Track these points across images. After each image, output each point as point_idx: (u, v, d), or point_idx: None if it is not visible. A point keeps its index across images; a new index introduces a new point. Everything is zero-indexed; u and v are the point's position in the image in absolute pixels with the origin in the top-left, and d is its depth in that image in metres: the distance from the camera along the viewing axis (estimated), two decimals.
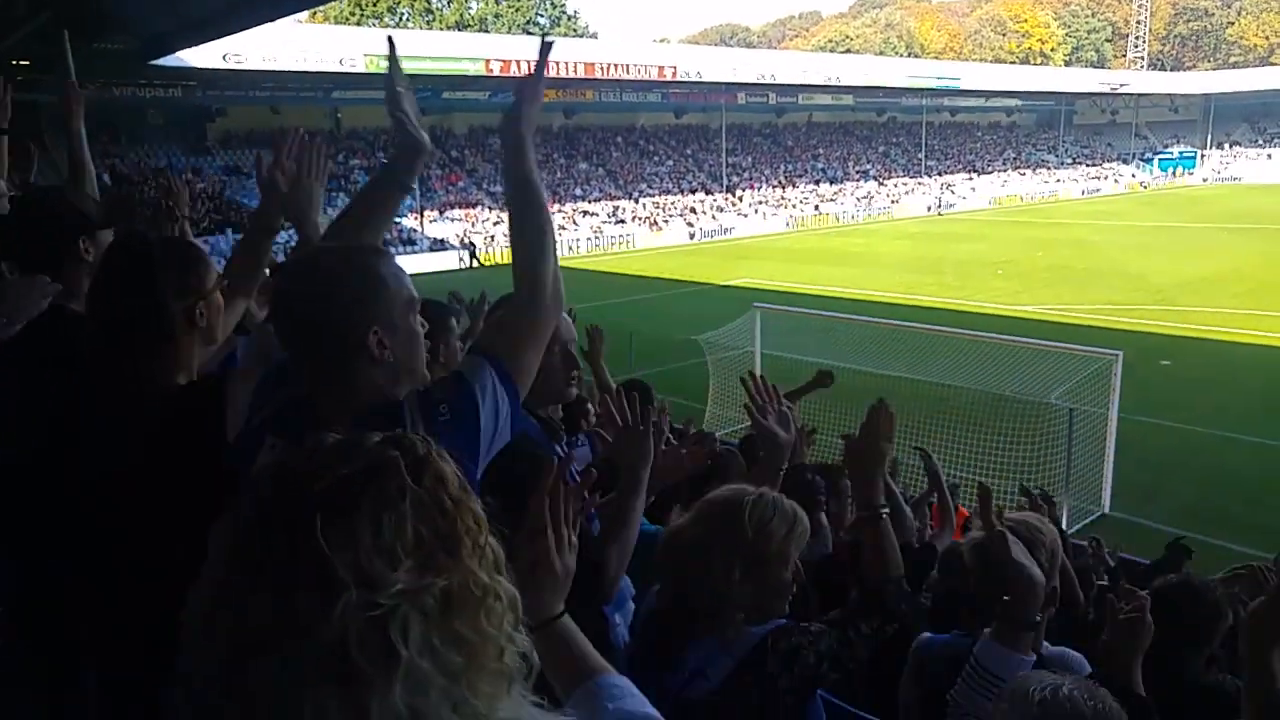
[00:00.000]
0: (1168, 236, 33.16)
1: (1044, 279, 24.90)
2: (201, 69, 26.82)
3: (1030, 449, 10.32)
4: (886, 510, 2.06)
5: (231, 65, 27.19)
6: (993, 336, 13.58)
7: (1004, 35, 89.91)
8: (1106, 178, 59.36)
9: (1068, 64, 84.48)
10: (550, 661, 1.22)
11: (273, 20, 15.41)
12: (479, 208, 38.50)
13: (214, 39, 19.60)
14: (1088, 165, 61.50)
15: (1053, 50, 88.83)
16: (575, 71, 36.83)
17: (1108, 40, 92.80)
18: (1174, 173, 61.03)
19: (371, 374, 1.48)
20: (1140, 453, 10.96)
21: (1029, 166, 59.30)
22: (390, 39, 1.89)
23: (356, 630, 0.76)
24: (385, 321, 1.48)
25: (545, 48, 1.76)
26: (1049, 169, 59.60)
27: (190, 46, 20.92)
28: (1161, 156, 62.95)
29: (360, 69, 30.41)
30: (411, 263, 31.15)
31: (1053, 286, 23.59)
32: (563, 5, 67.19)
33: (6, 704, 2.02)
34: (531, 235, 1.64)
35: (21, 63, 19.05)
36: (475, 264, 32.49)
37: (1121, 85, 60.35)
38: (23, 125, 3.33)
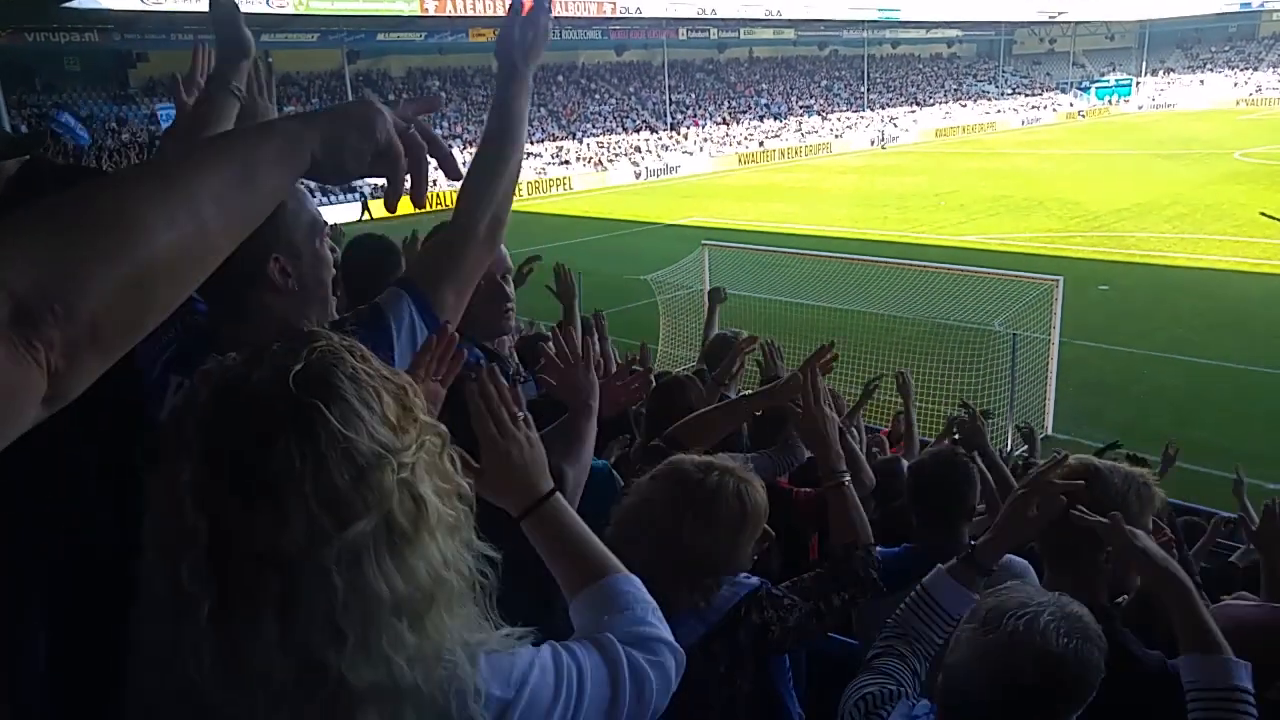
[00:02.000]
0: (1104, 164, 33.82)
1: (985, 209, 25.27)
2: (119, 11, 25.65)
3: (975, 375, 10.59)
4: (847, 476, 2.06)
5: (151, 6, 25.90)
6: (935, 265, 13.82)
7: None
8: (1045, 107, 60.00)
9: None
10: (549, 551, 1.19)
11: None
12: None
13: None
14: (1027, 95, 62.05)
15: None
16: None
17: None
18: (1110, 101, 61.91)
19: (273, 303, 1.41)
20: (1080, 375, 11.32)
21: (970, 98, 59.63)
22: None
23: (399, 496, 0.82)
24: (286, 247, 1.41)
25: None
26: (989, 100, 60.02)
27: None
28: (1098, 85, 63.77)
29: (289, 10, 29.22)
30: (338, 213, 30.21)
31: (995, 216, 23.98)
32: None
33: None
34: (490, 168, 1.55)
35: None
36: (366, 216, 29.55)
37: (1060, 13, 60.67)
38: None
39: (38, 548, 1.62)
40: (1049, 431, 10.10)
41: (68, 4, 20.72)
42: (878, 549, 2.03)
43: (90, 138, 29.64)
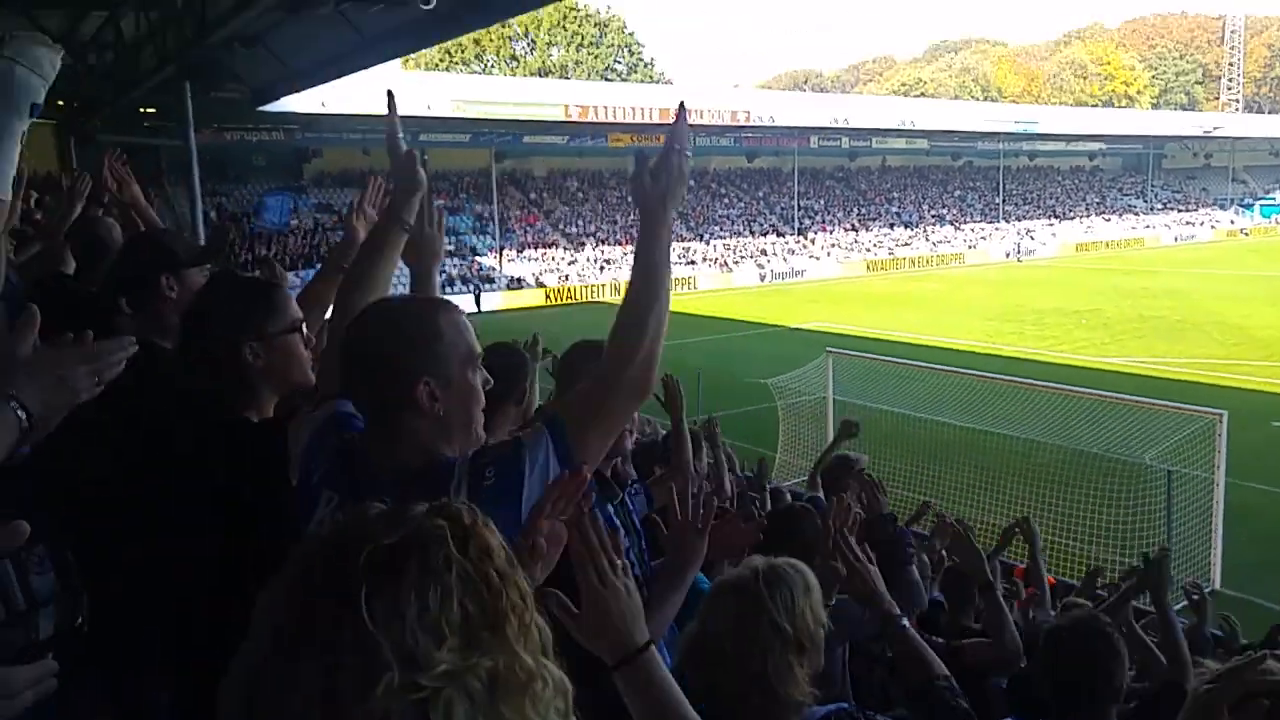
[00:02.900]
0: (1274, 287, 31.46)
1: (1133, 329, 23.89)
2: (302, 113, 28.32)
3: (1123, 513, 9.72)
4: (903, 620, 2.05)
5: (329, 110, 28.49)
6: (1078, 390, 12.98)
7: (1085, 79, 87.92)
8: (1201, 223, 57.13)
9: (1155, 107, 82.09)
10: (638, 706, 1.21)
11: (368, 68, 16.21)
12: (555, 248, 39.18)
13: (315, 86, 20.82)
14: (1179, 210, 59.27)
15: (1138, 93, 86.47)
16: (650, 117, 37.35)
17: (1198, 83, 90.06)
18: (1278, 219, 58.35)
19: (417, 426, 1.45)
20: (1254, 525, 10.21)
21: (1114, 212, 57.48)
22: (390, 93, 1.98)
23: (399, 713, 0.73)
24: (438, 373, 1.46)
25: (680, 111, 1.71)
26: (1136, 214, 57.67)
27: (294, 93, 22.18)
28: (1264, 202, 60.25)
29: (447, 113, 31.48)
30: (489, 300, 31.83)
31: (1143, 338, 22.61)
32: (640, 53, 68.56)
33: None
34: (638, 320, 1.53)
35: (148, 110, 20.45)
36: (478, 309, 30.63)
37: (1215, 128, 58.19)
38: (145, 168, 3.48)
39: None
40: (1216, 585, 9.09)
41: (262, 108, 23.16)
42: None
43: (285, 222, 33.12)
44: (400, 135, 1.98)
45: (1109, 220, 55.84)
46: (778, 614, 1.65)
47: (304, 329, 1.97)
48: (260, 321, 1.88)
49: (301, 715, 0.73)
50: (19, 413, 1.21)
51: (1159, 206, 59.60)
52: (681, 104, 1.78)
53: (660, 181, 1.58)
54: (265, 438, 1.77)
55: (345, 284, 1.94)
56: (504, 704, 0.77)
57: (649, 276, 1.57)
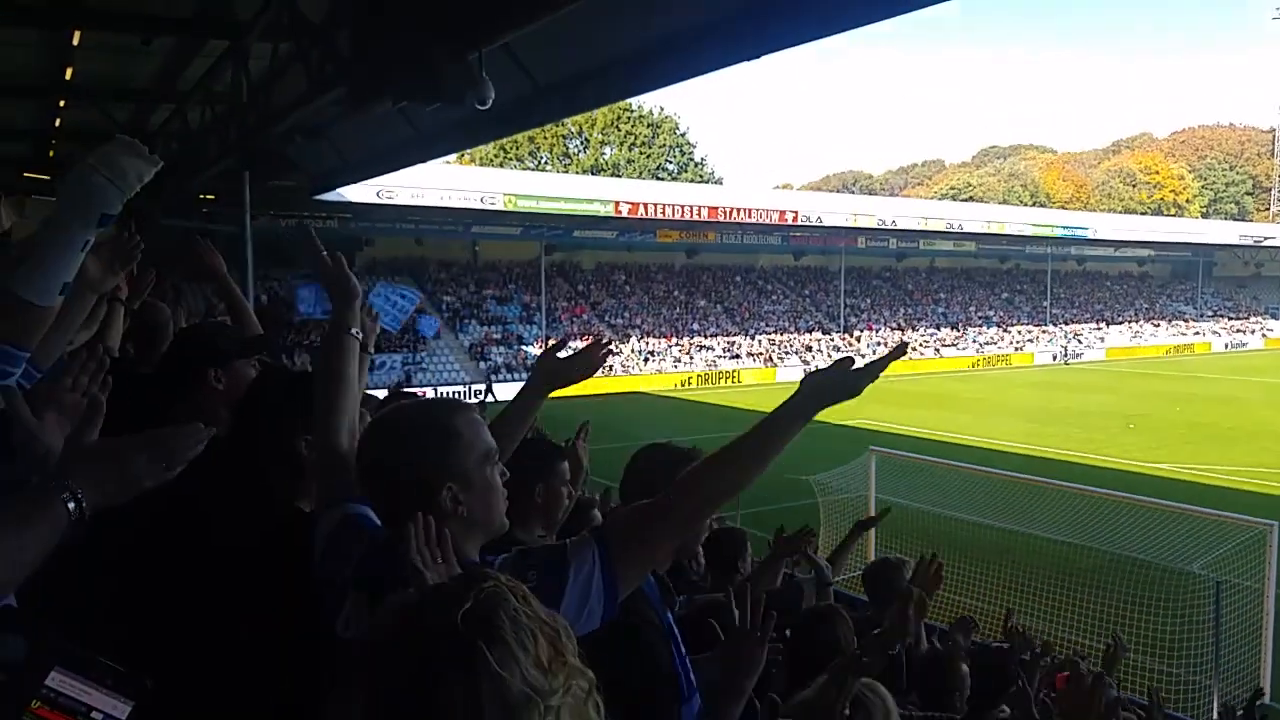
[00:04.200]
0: None
1: (1182, 436, 23.48)
2: (357, 203, 29.33)
3: (1168, 621, 9.53)
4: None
5: (383, 200, 29.64)
6: (1124, 495, 12.78)
7: (1134, 186, 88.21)
8: (1253, 332, 56.17)
9: (1204, 216, 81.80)
10: None
11: (424, 161, 16.87)
12: (602, 339, 39.66)
13: (371, 177, 21.59)
14: (1230, 318, 58.44)
15: (1188, 202, 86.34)
16: (699, 215, 38.21)
17: (1248, 193, 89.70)
18: None
19: (447, 529, 1.47)
20: None
21: (1164, 318, 56.86)
22: (308, 226, 2.08)
23: None
24: (459, 476, 1.50)
25: (900, 349, 1.84)
26: (1186, 320, 56.95)
27: (350, 184, 23.06)
28: None
29: (499, 206, 32.59)
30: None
31: (1193, 444, 22.20)
32: (691, 152, 70.38)
33: None
34: (730, 470, 1.61)
35: (207, 197, 21.48)
36: (490, 398, 29.87)
37: (1266, 238, 57.84)
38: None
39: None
40: (1267, 699, 8.84)
41: (318, 197, 24.09)
42: None
43: (323, 309, 33.52)
44: (322, 252, 1.91)
45: (1158, 326, 55.19)
46: None
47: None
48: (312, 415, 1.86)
49: None
50: (69, 504, 1.19)
51: (1209, 314, 58.80)
52: (904, 343, 1.87)
53: (849, 382, 1.66)
54: (292, 529, 1.81)
55: (322, 406, 1.85)
56: (586, 709, 0.93)
57: (768, 443, 1.62)
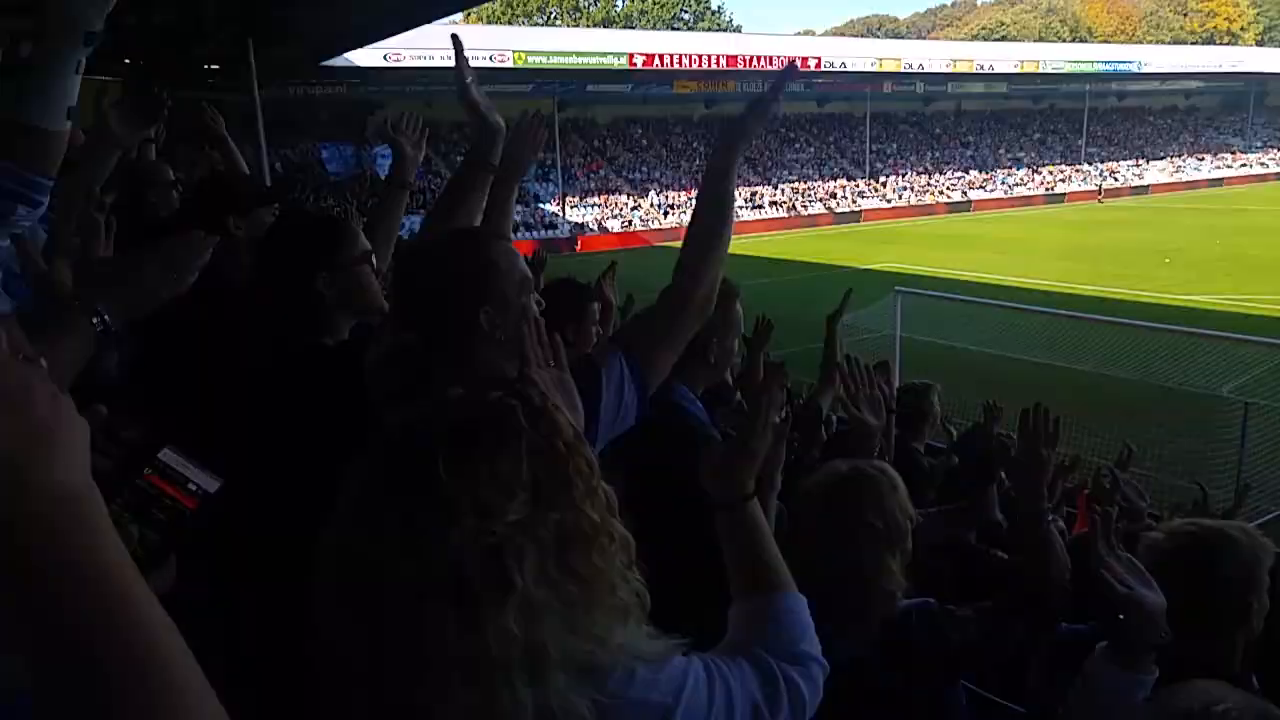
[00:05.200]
0: None
1: (1222, 268, 22.82)
2: (365, 68, 28.72)
3: (1196, 444, 9.45)
4: (1051, 516, 1.96)
5: (391, 64, 28.81)
6: (1150, 325, 12.50)
7: (1185, 15, 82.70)
8: None
9: (1259, 44, 76.88)
10: (735, 549, 1.27)
11: (430, 22, 16.21)
12: (618, 194, 39.18)
13: (377, 41, 20.98)
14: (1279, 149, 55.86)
15: (1242, 30, 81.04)
16: (717, 64, 36.73)
17: None
18: None
19: (486, 351, 1.52)
20: None
21: (1209, 151, 54.46)
22: (455, 36, 2.05)
23: (472, 555, 0.82)
24: (497, 300, 1.53)
25: (790, 69, 1.79)
26: (1233, 153, 54.53)
27: (356, 48, 22.37)
28: None
29: (509, 64, 31.54)
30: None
31: (1234, 276, 21.58)
32: (707, 1, 67.13)
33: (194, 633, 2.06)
34: (705, 243, 1.65)
35: (212, 67, 21.01)
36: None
37: None
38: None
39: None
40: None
41: (324, 63, 23.52)
42: None
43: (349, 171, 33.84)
44: (469, 80, 2.00)
45: (1203, 160, 53.00)
46: (869, 513, 1.72)
47: (373, 260, 1.99)
48: (330, 252, 1.91)
49: (384, 564, 0.82)
50: (93, 319, 1.31)
51: (1259, 145, 56.21)
52: (793, 61, 1.89)
53: (750, 121, 1.69)
54: (343, 357, 1.84)
55: (434, 221, 2.04)
56: (571, 553, 0.87)
57: (723, 205, 1.68)
